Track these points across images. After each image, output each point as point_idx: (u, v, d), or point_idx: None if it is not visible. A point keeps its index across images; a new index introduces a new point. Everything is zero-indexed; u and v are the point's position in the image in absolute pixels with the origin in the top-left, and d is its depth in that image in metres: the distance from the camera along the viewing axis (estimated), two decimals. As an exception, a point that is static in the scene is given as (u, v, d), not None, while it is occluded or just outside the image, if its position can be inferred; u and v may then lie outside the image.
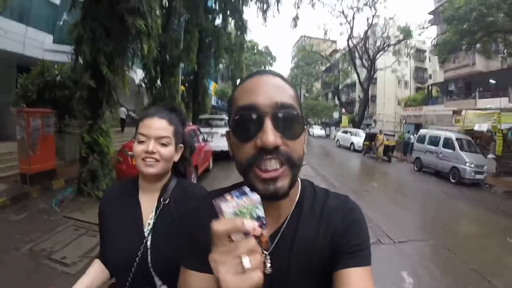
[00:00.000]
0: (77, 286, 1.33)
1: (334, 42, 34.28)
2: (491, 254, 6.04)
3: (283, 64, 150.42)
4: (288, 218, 0.91)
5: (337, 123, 43.54)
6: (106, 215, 1.44)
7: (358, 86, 39.64)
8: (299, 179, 0.95)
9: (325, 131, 47.14)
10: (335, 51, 49.25)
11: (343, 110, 43.89)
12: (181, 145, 1.48)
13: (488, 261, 5.60)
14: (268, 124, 0.77)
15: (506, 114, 16.30)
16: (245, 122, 0.80)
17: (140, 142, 1.33)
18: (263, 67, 47.52)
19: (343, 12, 30.49)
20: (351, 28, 31.83)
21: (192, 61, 15.54)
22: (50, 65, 10.06)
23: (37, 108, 8.55)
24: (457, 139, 14.85)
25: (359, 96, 37.67)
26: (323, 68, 51.76)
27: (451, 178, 14.14)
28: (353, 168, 18.23)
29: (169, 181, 1.45)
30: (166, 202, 1.37)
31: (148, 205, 1.40)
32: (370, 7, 28.68)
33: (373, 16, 29.66)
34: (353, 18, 30.88)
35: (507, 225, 8.11)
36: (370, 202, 8.98)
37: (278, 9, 20.88)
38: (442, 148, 15.13)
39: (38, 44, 9.74)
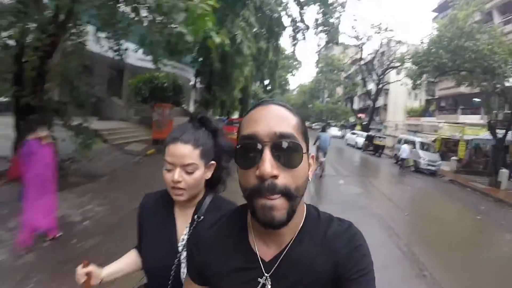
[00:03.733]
0: (109, 267, 1.48)
1: (360, 48, 37.11)
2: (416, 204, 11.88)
3: (309, 69, 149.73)
4: (290, 243, 0.91)
5: (353, 126, 47.98)
6: (144, 219, 1.49)
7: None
8: (304, 204, 0.97)
9: (342, 132, 50.59)
10: (357, 60, 50.86)
11: (360, 115, 47.61)
12: (212, 161, 1.44)
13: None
14: (267, 153, 0.79)
15: (469, 128, 22.18)
16: (246, 151, 0.84)
17: (168, 170, 1.33)
18: (289, 71, 51.92)
19: (356, 38, 35.38)
20: (361, 52, 36.58)
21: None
22: (155, 74, 15.77)
23: (154, 103, 14.95)
24: (420, 142, 20.95)
25: (369, 105, 41.87)
26: (345, 74, 53.67)
27: (411, 168, 20.14)
28: (352, 158, 24.80)
29: (204, 198, 1.46)
30: (200, 220, 1.37)
31: (183, 220, 1.43)
32: (379, 33, 33.55)
33: (380, 42, 34.75)
34: (363, 44, 35.81)
35: (431, 194, 14.18)
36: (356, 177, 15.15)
37: (304, 38, 25.54)
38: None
39: (131, 53, 11.41)
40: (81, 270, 1.34)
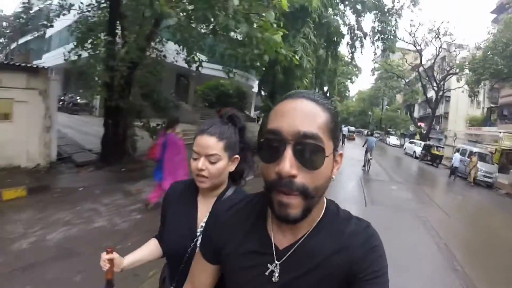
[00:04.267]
0: (130, 256, 1.60)
1: (419, 53, 36.37)
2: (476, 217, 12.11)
3: (368, 75, 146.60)
4: (306, 234, 0.93)
5: (413, 135, 46.40)
6: (169, 206, 1.62)
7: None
8: (325, 199, 0.97)
9: (401, 141, 49.68)
10: (416, 66, 49.39)
11: (420, 123, 46.89)
12: (237, 156, 1.53)
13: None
14: (288, 152, 0.79)
15: None
16: (269, 146, 0.83)
17: (194, 159, 1.45)
18: (349, 77, 51.60)
19: (414, 44, 35.10)
20: (421, 57, 36.04)
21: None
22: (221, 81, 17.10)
23: (219, 108, 16.22)
24: (477, 152, 20.40)
25: (429, 113, 41.07)
26: (405, 81, 52.12)
27: (467, 179, 19.67)
28: (408, 167, 24.68)
29: (226, 190, 1.55)
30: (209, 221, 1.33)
31: (204, 208, 1.51)
32: (436, 39, 33.30)
33: (439, 48, 34.17)
34: (421, 49, 35.32)
35: (481, 204, 14.30)
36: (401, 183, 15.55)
37: (362, 52, 25.86)
38: (466, 158, 20.69)
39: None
40: (104, 257, 1.47)
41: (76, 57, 9.41)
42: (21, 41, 31.40)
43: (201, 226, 1.48)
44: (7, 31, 34.72)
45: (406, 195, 12.45)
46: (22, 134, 8.33)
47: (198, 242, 1.43)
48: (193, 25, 8.16)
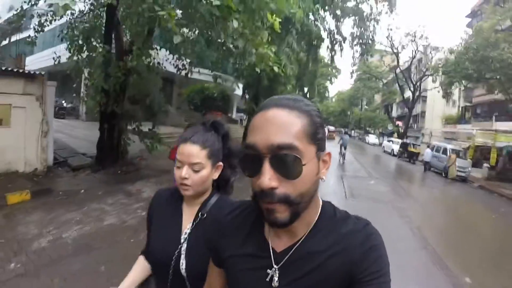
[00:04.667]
0: (125, 283, 1.57)
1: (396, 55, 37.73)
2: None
3: (348, 76, 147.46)
4: (303, 237, 0.92)
5: (391, 134, 47.97)
6: (153, 216, 1.61)
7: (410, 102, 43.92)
8: (320, 201, 0.97)
9: (379, 140, 51.80)
10: (394, 67, 50.34)
11: (398, 122, 47.72)
12: (220, 163, 1.53)
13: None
14: (266, 166, 0.80)
15: (503, 135, 22.41)
16: (248, 161, 0.85)
17: (177, 167, 1.45)
18: (328, 79, 52.53)
19: (391, 47, 36.38)
20: (398, 59, 37.26)
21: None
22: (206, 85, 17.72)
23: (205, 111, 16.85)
24: (450, 148, 21.53)
25: (406, 112, 41.86)
26: (384, 81, 52.59)
27: (442, 174, 20.87)
28: (386, 164, 25.66)
29: (210, 197, 1.55)
30: (203, 217, 1.47)
31: (189, 215, 1.53)
32: (412, 42, 34.51)
33: (415, 50, 35.34)
34: (398, 52, 36.64)
35: (453, 195, 15.30)
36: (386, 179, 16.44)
37: (341, 55, 26.80)
38: (441, 154, 21.77)
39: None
40: None
41: (74, 60, 9.85)
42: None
43: (185, 233, 1.49)
44: None
45: (384, 189, 13.31)
46: (20, 139, 8.64)
47: (183, 249, 1.45)
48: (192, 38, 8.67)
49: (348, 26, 51.92)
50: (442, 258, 6.30)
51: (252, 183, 0.85)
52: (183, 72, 11.38)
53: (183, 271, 1.42)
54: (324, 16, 21.05)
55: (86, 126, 18.93)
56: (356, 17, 21.97)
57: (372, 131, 58.80)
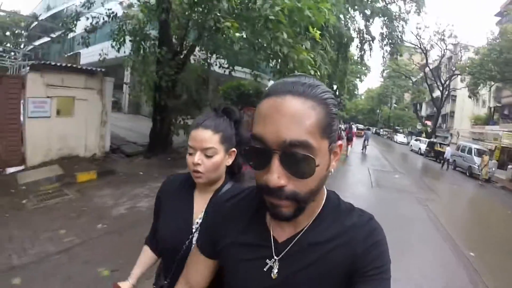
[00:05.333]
0: (135, 274, 1.63)
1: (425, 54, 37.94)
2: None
3: (377, 73, 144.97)
4: (305, 228, 0.90)
5: (419, 133, 48.22)
6: (163, 203, 1.59)
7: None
8: (325, 190, 0.94)
9: (408, 139, 50.77)
10: (424, 65, 49.91)
11: (427, 122, 48.18)
12: (234, 149, 1.50)
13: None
14: (275, 163, 0.75)
15: None
16: (255, 154, 0.80)
17: (190, 154, 1.43)
18: (358, 76, 52.72)
19: (420, 46, 36.59)
20: (426, 58, 37.43)
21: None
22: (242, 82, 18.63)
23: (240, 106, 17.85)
24: (476, 149, 21.84)
25: (435, 112, 42.18)
26: (413, 80, 53.14)
27: (467, 173, 21.38)
28: (413, 162, 26.59)
29: (223, 185, 1.52)
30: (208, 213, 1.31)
31: (201, 203, 1.47)
32: (441, 41, 34.82)
33: (444, 49, 35.62)
34: (427, 51, 36.86)
35: (473, 191, 15.97)
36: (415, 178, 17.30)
37: (370, 55, 27.16)
38: (466, 154, 22.21)
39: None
40: None
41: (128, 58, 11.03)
42: (38, 42, 31.95)
43: (197, 222, 1.46)
44: (25, 32, 34.84)
45: (407, 182, 14.29)
46: (82, 127, 9.66)
47: (194, 238, 1.41)
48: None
49: (377, 26, 51.78)
50: (452, 236, 7.37)
51: (257, 175, 0.81)
52: (227, 71, 12.59)
53: None
54: (354, 16, 21.87)
55: (128, 118, 20.41)
56: (385, 18, 22.51)
57: (401, 130, 58.70)
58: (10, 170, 8.08)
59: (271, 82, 18.32)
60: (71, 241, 4.83)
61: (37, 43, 31.52)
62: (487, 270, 5.78)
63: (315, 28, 7.18)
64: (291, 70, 7.48)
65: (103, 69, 10.23)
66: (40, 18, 29.32)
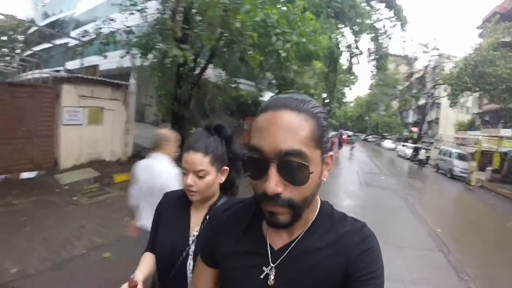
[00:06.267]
0: (140, 275, 1.52)
1: (411, 65, 40.36)
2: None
3: (366, 80, 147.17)
4: (300, 236, 0.93)
5: (407, 139, 49.94)
6: (162, 217, 1.65)
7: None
8: (319, 200, 0.98)
9: (395, 145, 51.71)
10: (411, 74, 51.37)
11: (413, 128, 50.06)
12: (226, 167, 1.57)
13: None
14: (272, 171, 0.80)
15: (506, 140, 24.42)
16: (253, 164, 0.84)
17: (184, 174, 1.50)
18: (346, 85, 54.40)
19: (406, 58, 38.68)
20: (411, 69, 40.30)
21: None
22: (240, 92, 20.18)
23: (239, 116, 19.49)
24: (456, 153, 24.00)
25: (417, 119, 44.50)
26: (399, 88, 55.55)
27: (448, 175, 23.39)
28: (398, 165, 28.59)
29: (218, 200, 1.59)
30: (206, 224, 1.46)
31: (197, 218, 1.56)
32: (425, 53, 37.00)
33: (428, 60, 38.00)
34: (412, 62, 39.26)
35: (450, 189, 18.06)
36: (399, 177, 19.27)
37: (358, 62, 29.32)
38: (447, 158, 24.36)
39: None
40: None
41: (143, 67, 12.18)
42: (37, 48, 30.94)
43: (193, 235, 1.53)
44: (21, 37, 34.80)
45: (391, 181, 16.29)
46: (108, 135, 10.64)
47: (191, 249, 1.50)
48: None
49: (365, 41, 53.47)
50: (425, 219, 9.34)
51: (254, 185, 0.86)
52: (233, 85, 14.35)
53: (189, 271, 1.49)
54: (343, 32, 23.75)
55: (136, 126, 21.65)
56: (372, 34, 24.72)
57: (390, 137, 60.21)
58: (25, 174, 8.77)
59: (268, 93, 19.85)
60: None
61: (36, 48, 31.39)
62: (451, 240, 7.70)
63: (317, 62, 8.96)
64: (295, 90, 9.20)
65: (126, 83, 11.50)
66: (40, 24, 29.77)
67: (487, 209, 13.10)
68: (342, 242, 0.90)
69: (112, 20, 12.23)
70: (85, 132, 9.94)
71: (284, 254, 0.93)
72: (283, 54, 8.32)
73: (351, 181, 14.41)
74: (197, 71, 12.17)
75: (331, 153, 0.91)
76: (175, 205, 1.65)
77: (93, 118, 10.18)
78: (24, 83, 11.78)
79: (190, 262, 1.49)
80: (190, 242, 1.52)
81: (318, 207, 0.97)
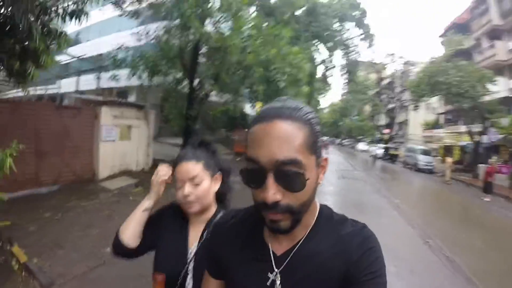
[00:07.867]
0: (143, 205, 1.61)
1: (380, 73, 44.34)
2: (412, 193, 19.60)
3: (339, 87, 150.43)
4: (302, 240, 0.95)
5: (380, 141, 52.12)
6: (161, 235, 1.60)
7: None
8: (317, 204, 1.00)
9: (369, 147, 53.72)
10: (382, 79, 53.64)
11: (386, 130, 51.83)
12: (218, 173, 1.58)
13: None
14: (270, 180, 0.82)
15: (465, 136, 27.57)
16: (251, 174, 0.86)
17: (178, 188, 1.47)
18: (320, 93, 57.31)
19: (374, 67, 42.66)
20: (380, 76, 44.06)
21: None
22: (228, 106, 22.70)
23: (228, 128, 22.13)
24: (420, 149, 27.92)
25: (388, 121, 48.08)
26: (370, 94, 57.56)
27: (413, 168, 27.01)
28: (370, 163, 31.27)
29: (215, 215, 1.55)
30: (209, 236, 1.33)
31: (195, 233, 1.54)
32: (393, 61, 40.94)
33: (395, 69, 41.96)
34: (381, 70, 43.20)
35: (414, 177, 21.70)
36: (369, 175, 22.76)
37: (332, 75, 32.56)
38: (412, 154, 28.20)
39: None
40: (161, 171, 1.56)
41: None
42: None
43: (191, 252, 1.51)
44: None
45: (363, 175, 19.95)
46: (134, 148, 11.94)
47: (190, 266, 1.47)
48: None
49: (338, 56, 56.15)
50: (384, 194, 12.62)
51: (254, 194, 0.88)
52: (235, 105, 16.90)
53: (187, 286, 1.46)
54: (318, 49, 27.34)
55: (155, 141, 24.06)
56: (345, 50, 28.29)
57: (363, 139, 62.60)
58: (42, 189, 8.71)
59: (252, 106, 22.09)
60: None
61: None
62: (407, 207, 10.81)
63: (305, 87, 11.77)
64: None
65: (145, 104, 13.82)
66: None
67: (443, 189, 16.94)
68: (343, 244, 0.92)
69: (127, 48, 14.20)
70: (117, 147, 11.18)
71: (288, 259, 0.95)
72: (282, 84, 11.17)
73: (332, 175, 17.35)
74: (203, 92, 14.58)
75: (325, 156, 0.94)
76: (171, 219, 1.63)
77: (123, 135, 11.43)
78: (69, 105, 13.31)
79: (189, 281, 1.47)
80: (189, 259, 1.50)
81: (317, 210, 1.00)
